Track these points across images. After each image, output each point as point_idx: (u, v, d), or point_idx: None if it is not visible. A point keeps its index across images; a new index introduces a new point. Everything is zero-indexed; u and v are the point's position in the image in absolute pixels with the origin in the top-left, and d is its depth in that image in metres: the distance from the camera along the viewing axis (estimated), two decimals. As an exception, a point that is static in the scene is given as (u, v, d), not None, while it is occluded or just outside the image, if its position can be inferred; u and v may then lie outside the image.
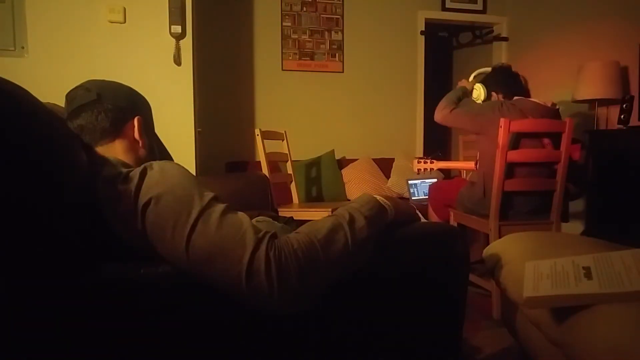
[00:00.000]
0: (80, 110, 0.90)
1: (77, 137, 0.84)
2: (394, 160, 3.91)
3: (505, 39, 4.45)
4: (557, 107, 2.27)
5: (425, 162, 2.85)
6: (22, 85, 0.63)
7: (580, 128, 3.54)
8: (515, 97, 2.26)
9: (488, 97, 2.42)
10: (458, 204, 2.42)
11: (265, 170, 2.59)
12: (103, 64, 2.55)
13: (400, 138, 4.22)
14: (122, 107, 0.93)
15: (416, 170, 2.85)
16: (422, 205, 3.36)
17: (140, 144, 0.95)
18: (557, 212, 2.17)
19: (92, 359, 0.67)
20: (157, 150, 1.02)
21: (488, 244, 1.79)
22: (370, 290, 0.81)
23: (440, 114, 2.39)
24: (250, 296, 0.66)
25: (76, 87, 0.92)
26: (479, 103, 2.36)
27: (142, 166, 0.76)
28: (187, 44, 2.68)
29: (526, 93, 2.34)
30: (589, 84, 3.16)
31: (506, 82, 2.36)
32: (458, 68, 5.33)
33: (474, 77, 2.62)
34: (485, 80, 2.45)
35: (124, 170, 0.76)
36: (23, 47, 2.46)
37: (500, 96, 2.36)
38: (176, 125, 2.67)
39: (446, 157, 5.17)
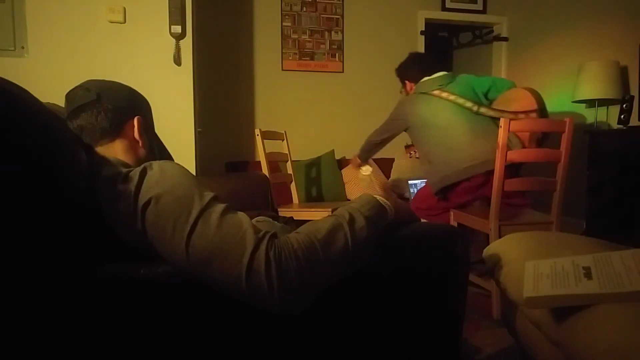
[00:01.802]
0: (80, 110, 0.90)
1: (77, 138, 0.84)
2: (394, 160, 3.91)
3: (505, 39, 4.45)
4: (451, 72, 2.52)
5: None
6: (22, 85, 0.63)
7: (580, 128, 3.55)
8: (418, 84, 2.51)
9: (403, 85, 2.70)
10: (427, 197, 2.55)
11: (265, 170, 2.59)
12: (103, 64, 2.55)
13: (400, 138, 4.20)
14: (122, 107, 0.93)
15: (408, 155, 2.91)
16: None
17: (140, 144, 0.95)
18: (557, 211, 2.17)
19: (92, 358, 0.67)
20: (157, 150, 1.02)
21: (488, 244, 1.78)
22: (370, 290, 0.81)
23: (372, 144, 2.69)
24: (250, 296, 0.66)
25: (76, 87, 0.92)
26: (389, 119, 2.60)
27: (142, 166, 0.76)
28: (187, 44, 2.68)
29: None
30: (589, 84, 3.16)
31: (416, 70, 2.58)
32: (458, 68, 5.33)
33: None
34: (400, 70, 2.70)
35: (124, 170, 0.76)
36: (23, 47, 2.46)
37: (413, 84, 2.58)
38: (176, 125, 2.67)
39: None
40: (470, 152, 2.29)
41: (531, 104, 2.30)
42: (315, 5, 4.03)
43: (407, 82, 2.67)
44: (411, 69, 2.61)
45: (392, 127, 2.58)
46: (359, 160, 2.88)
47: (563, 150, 2.11)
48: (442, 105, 2.39)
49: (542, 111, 2.30)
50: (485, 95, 2.51)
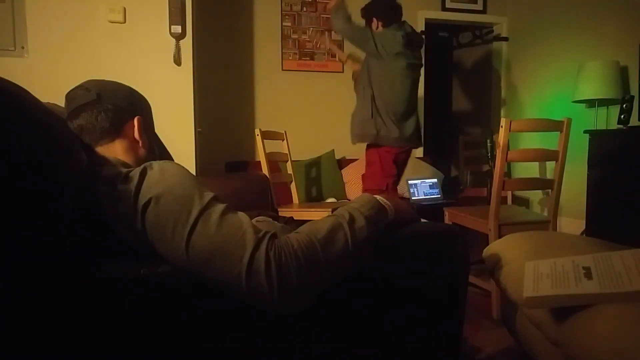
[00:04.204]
0: (80, 110, 0.90)
1: (77, 138, 0.84)
2: (394, 160, 3.90)
3: (505, 39, 4.45)
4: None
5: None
6: (22, 85, 0.63)
7: (580, 128, 3.55)
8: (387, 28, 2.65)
9: (368, 23, 2.74)
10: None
11: (265, 170, 2.59)
12: (103, 64, 2.55)
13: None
14: (122, 107, 0.93)
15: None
16: (422, 205, 3.37)
17: (140, 144, 0.95)
18: (554, 210, 2.17)
19: (92, 358, 0.67)
20: (157, 150, 1.02)
21: (488, 244, 1.78)
22: (370, 290, 0.81)
23: (339, 27, 2.65)
24: (251, 296, 0.66)
25: (76, 87, 0.92)
26: (365, 34, 2.64)
27: (142, 166, 0.76)
28: (187, 44, 2.68)
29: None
30: (588, 84, 3.16)
31: (388, 12, 2.69)
32: (458, 68, 5.33)
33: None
34: (367, 6, 2.75)
35: (124, 170, 0.76)
36: (23, 47, 2.46)
37: (381, 24, 2.68)
38: (176, 125, 2.67)
39: (446, 157, 5.17)
40: (407, 126, 2.66)
41: None
42: (315, 5, 4.03)
43: (374, 19, 2.71)
44: (385, 11, 2.69)
45: (366, 45, 2.61)
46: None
47: (560, 149, 2.11)
48: (403, 64, 2.59)
49: None
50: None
